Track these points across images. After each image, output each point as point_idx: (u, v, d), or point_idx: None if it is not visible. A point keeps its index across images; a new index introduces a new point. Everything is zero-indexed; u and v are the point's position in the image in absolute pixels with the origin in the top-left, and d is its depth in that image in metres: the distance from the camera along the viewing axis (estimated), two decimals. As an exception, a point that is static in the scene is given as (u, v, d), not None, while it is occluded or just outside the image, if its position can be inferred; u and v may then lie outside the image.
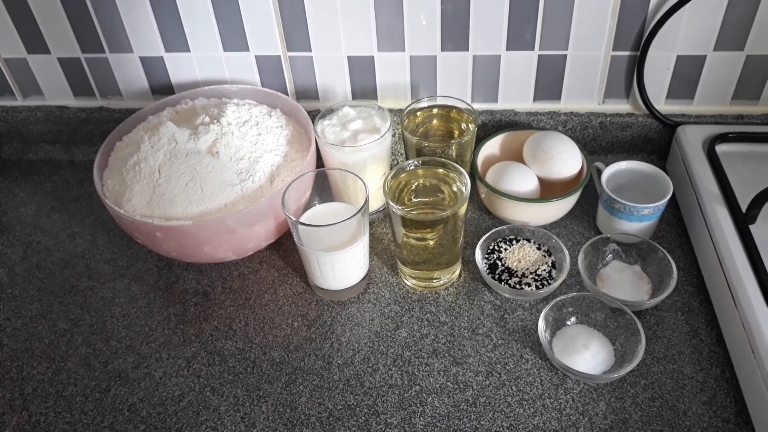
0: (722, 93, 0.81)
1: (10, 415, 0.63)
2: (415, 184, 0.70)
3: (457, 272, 0.73)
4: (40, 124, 0.94)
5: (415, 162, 0.69)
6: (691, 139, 0.78)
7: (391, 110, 0.82)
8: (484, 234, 0.73)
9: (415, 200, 0.70)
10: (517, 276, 0.70)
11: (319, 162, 0.77)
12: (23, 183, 0.92)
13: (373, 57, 0.82)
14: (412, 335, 0.67)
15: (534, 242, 0.74)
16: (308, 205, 0.73)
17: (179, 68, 0.87)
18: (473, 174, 0.77)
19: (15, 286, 0.76)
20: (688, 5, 0.73)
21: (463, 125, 0.79)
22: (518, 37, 0.78)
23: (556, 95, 0.84)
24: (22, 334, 0.70)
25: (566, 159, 0.75)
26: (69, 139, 0.95)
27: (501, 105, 0.86)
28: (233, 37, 0.82)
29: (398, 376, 0.63)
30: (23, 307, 0.74)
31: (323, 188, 0.73)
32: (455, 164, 0.68)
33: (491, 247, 0.73)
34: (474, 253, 0.72)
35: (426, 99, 0.80)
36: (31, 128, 0.94)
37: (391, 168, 0.71)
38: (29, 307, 0.73)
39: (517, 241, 0.74)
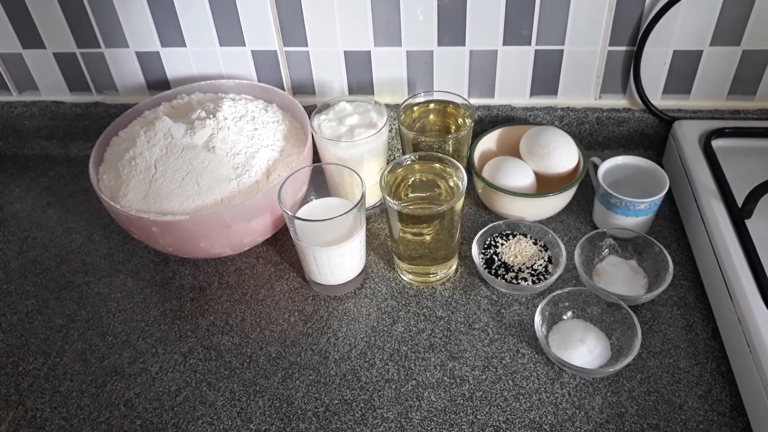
0: (719, 88, 0.81)
1: (6, 410, 0.63)
2: (412, 179, 0.70)
3: (454, 267, 0.73)
4: (36, 120, 0.93)
5: (412, 157, 0.69)
6: (688, 135, 0.78)
7: (387, 105, 0.82)
8: (481, 229, 0.73)
9: (411, 195, 0.70)
10: (513, 271, 0.70)
11: (316, 157, 0.76)
12: (19, 178, 0.92)
13: (369, 52, 0.82)
14: (408, 330, 0.67)
15: (530, 237, 0.74)
16: (305, 200, 0.73)
17: (175, 63, 0.87)
18: (470, 169, 0.77)
19: (11, 282, 0.76)
20: (684, 0, 0.73)
21: (460, 120, 0.79)
22: (515, 32, 0.78)
23: (553, 90, 0.84)
24: (17, 329, 0.70)
25: (563, 154, 0.75)
26: (65, 135, 0.95)
27: (498, 100, 0.86)
28: (229, 31, 0.82)
29: (395, 371, 0.64)
30: (19, 302, 0.73)
31: (320, 183, 0.73)
32: (452, 159, 0.68)
33: (488, 242, 0.74)
34: (470, 248, 0.72)
35: (423, 94, 0.80)
36: (27, 123, 0.94)
37: (388, 163, 0.70)
38: (25, 303, 0.73)
39: (514, 236, 0.74)
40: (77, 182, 0.90)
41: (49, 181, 0.91)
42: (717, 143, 0.76)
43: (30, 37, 0.86)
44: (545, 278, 0.69)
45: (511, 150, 0.81)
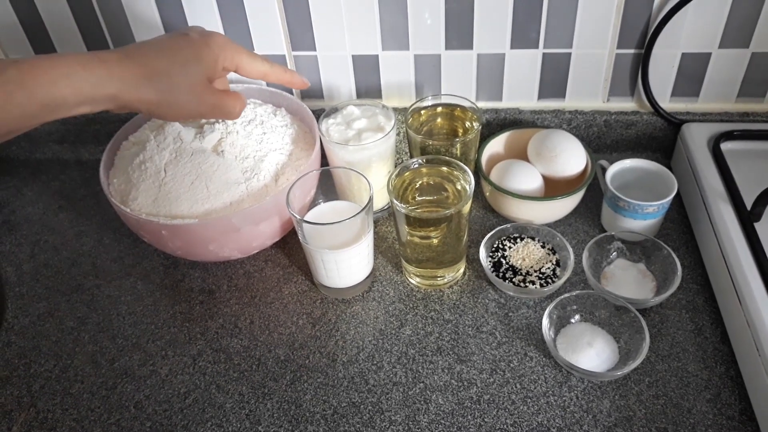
0: (727, 91, 0.81)
1: (18, 412, 0.63)
2: (419, 182, 0.70)
3: (462, 270, 0.73)
4: (48, 124, 0.94)
5: (419, 160, 0.70)
6: (696, 137, 0.78)
7: (395, 109, 0.82)
8: (489, 232, 0.73)
9: (419, 198, 0.70)
10: (521, 274, 0.70)
11: (324, 161, 0.77)
12: (31, 182, 0.93)
13: (377, 56, 0.82)
14: (416, 333, 0.67)
15: (538, 240, 0.74)
16: (313, 204, 0.73)
17: (185, 68, 0.87)
18: (477, 172, 0.77)
19: (23, 285, 0.77)
20: (692, 2, 0.72)
21: (468, 123, 0.79)
22: (523, 36, 0.78)
23: (561, 93, 0.84)
24: (29, 332, 0.71)
25: (570, 157, 0.75)
26: (76, 139, 0.96)
27: (505, 103, 0.86)
28: (238, 36, 0.83)
29: (402, 374, 0.64)
30: (31, 305, 0.74)
31: (328, 187, 0.73)
32: (459, 162, 0.68)
33: (495, 245, 0.74)
34: (478, 252, 0.72)
35: (430, 97, 0.81)
36: (38, 128, 0.94)
37: (396, 166, 0.71)
38: (36, 306, 0.74)
39: (522, 239, 0.74)
40: (88, 186, 0.91)
41: (61, 184, 0.92)
42: (726, 146, 0.76)
43: (42, 42, 0.87)
44: (553, 281, 0.69)
45: (519, 153, 0.81)
